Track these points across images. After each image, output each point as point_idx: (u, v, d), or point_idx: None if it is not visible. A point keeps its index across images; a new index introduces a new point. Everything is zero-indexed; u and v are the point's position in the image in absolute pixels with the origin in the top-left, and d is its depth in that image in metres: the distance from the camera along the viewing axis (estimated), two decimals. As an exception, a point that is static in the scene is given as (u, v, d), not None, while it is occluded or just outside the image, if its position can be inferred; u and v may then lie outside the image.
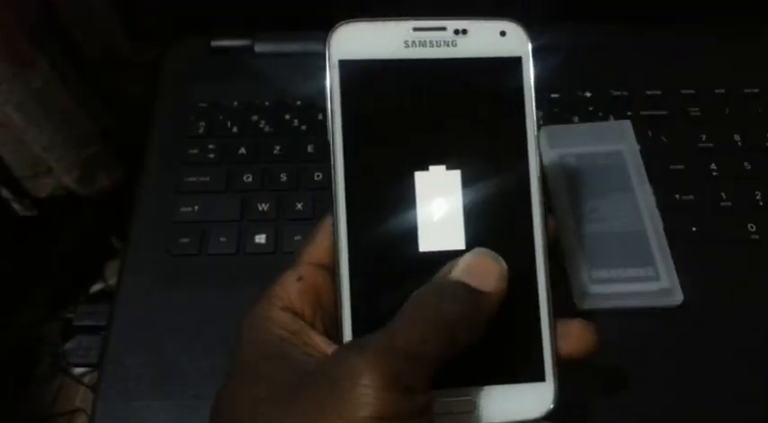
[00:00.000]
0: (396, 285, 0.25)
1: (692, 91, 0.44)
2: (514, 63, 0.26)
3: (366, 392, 0.20)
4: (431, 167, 0.26)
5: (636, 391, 0.34)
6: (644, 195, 0.39)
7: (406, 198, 0.26)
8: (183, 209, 0.40)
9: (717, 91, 0.44)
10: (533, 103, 0.26)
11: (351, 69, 0.26)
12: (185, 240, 0.39)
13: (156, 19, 0.56)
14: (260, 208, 0.40)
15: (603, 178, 0.39)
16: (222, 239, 0.39)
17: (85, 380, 0.75)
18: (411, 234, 0.25)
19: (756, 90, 0.44)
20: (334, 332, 0.25)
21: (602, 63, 0.46)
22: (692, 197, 0.40)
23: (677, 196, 0.40)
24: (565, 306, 0.35)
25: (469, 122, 0.26)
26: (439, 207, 0.26)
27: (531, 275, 0.26)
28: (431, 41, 0.26)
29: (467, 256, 0.24)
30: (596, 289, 0.36)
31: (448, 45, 0.26)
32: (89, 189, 0.60)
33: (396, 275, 0.25)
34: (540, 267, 0.26)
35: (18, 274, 0.71)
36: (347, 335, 0.24)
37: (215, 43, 0.48)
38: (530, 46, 0.26)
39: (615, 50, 0.46)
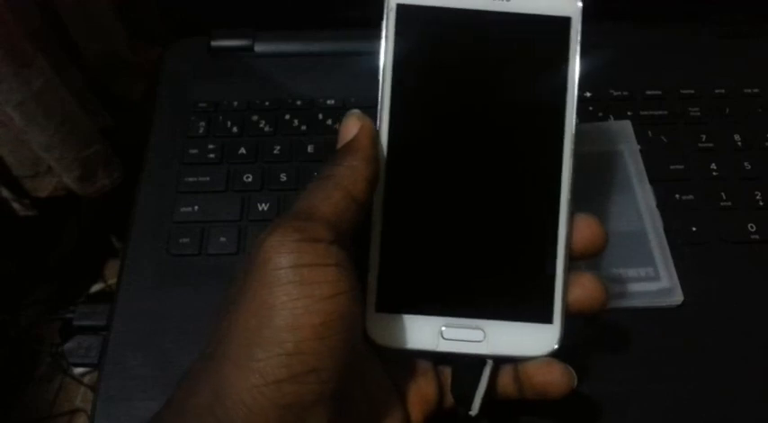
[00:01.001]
0: (425, 220, 0.27)
1: (692, 91, 0.44)
2: (564, 23, 0.28)
3: (273, 249, 0.23)
4: (472, 114, 0.27)
5: (636, 390, 0.34)
6: (644, 195, 0.39)
7: (446, 139, 0.27)
8: (183, 209, 0.40)
9: (717, 91, 0.44)
10: (577, 63, 0.27)
11: (407, 14, 0.27)
12: (185, 240, 0.39)
13: (156, 19, 0.57)
14: (260, 208, 0.40)
15: (603, 178, 0.39)
16: (222, 239, 0.39)
17: (85, 380, 0.75)
18: (447, 168, 0.27)
19: (756, 90, 0.44)
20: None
21: (603, 63, 0.46)
22: (691, 197, 0.40)
23: (677, 196, 0.40)
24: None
25: (514, 76, 0.28)
26: (476, 147, 0.27)
27: (552, 225, 0.27)
28: None
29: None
30: (596, 289, 0.36)
31: None
32: (89, 189, 0.60)
33: (426, 209, 0.27)
34: (563, 219, 0.27)
35: (18, 273, 0.71)
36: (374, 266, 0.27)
37: (215, 43, 0.48)
38: (580, 5, 0.28)
39: (615, 50, 0.46)
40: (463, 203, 0.27)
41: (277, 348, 0.22)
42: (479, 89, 0.27)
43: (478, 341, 0.27)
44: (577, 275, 0.28)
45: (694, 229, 0.39)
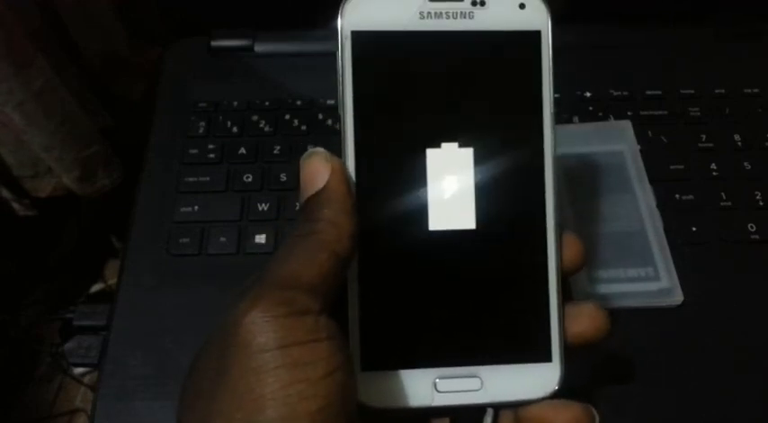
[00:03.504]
0: (404, 265, 0.25)
1: (692, 91, 0.44)
2: (533, 37, 0.26)
3: (256, 327, 0.20)
4: (443, 145, 0.25)
5: (636, 390, 0.34)
6: (644, 195, 0.39)
7: (417, 176, 0.25)
8: (183, 209, 0.40)
9: (717, 91, 0.44)
10: (551, 80, 0.26)
11: (363, 40, 0.25)
12: (185, 240, 0.39)
13: (156, 19, 0.57)
14: (260, 208, 0.40)
15: (603, 178, 0.39)
16: (222, 239, 0.39)
17: (85, 380, 0.75)
18: (421, 213, 0.25)
19: (756, 90, 0.44)
20: None
21: (603, 63, 0.46)
22: (691, 197, 0.40)
23: (677, 196, 0.40)
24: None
25: (484, 98, 0.26)
26: (450, 185, 0.25)
27: (541, 256, 0.25)
28: (447, 13, 0.25)
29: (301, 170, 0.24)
30: (596, 289, 0.36)
31: (465, 17, 0.25)
32: (89, 189, 0.60)
33: (404, 254, 0.25)
34: (552, 248, 0.25)
35: (18, 273, 0.71)
36: (354, 307, 0.24)
37: (215, 43, 0.48)
38: (549, 19, 0.26)
39: (615, 50, 0.46)
40: (444, 245, 0.25)
41: None
42: (450, 116, 0.25)
43: (476, 390, 0.25)
44: (578, 307, 0.26)
45: (694, 229, 0.39)
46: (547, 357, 0.25)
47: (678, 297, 0.36)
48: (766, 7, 0.47)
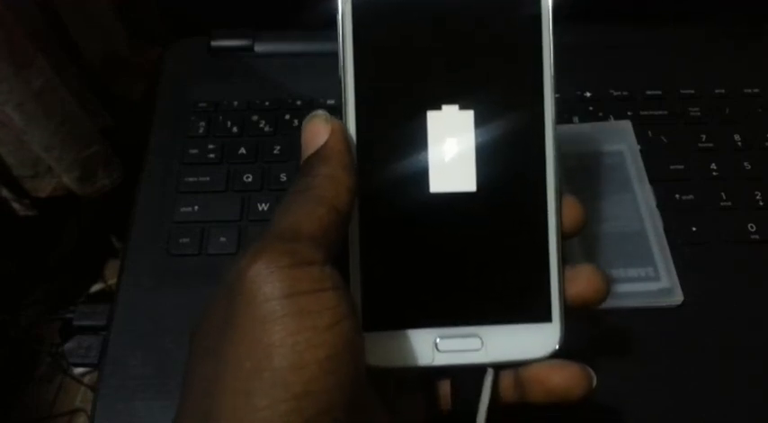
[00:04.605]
0: (405, 226, 0.25)
1: (692, 91, 0.44)
2: (534, 1, 0.26)
3: (261, 278, 0.20)
4: (443, 107, 0.25)
5: (636, 390, 0.34)
6: (644, 195, 0.39)
7: (418, 138, 0.25)
8: (183, 209, 0.40)
9: (717, 91, 0.44)
10: (551, 43, 0.26)
11: (364, 2, 0.25)
12: (185, 240, 0.39)
13: (156, 19, 0.57)
14: (260, 208, 0.40)
15: (603, 178, 0.39)
16: (222, 239, 0.39)
17: (85, 380, 0.75)
18: (422, 175, 0.25)
19: (756, 90, 0.44)
20: None
21: (603, 63, 0.46)
22: (691, 197, 0.40)
23: (677, 196, 0.40)
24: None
25: (485, 61, 0.26)
26: (450, 147, 0.25)
27: (541, 217, 0.26)
28: None
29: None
30: (596, 289, 0.36)
31: None
32: (89, 189, 0.60)
33: (406, 216, 0.25)
34: (552, 210, 0.26)
35: (18, 273, 0.71)
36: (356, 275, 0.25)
37: (215, 43, 0.48)
38: None
39: (615, 50, 0.46)
40: (445, 206, 0.25)
41: (282, 392, 0.19)
42: (450, 78, 0.26)
43: (476, 350, 0.25)
44: (576, 269, 0.26)
45: (694, 229, 0.39)
46: (547, 318, 0.26)
47: (678, 297, 0.36)
48: (766, 7, 0.47)
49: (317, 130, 0.24)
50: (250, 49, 0.48)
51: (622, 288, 0.36)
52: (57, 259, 0.74)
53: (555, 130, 0.26)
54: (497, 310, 0.26)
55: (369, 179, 0.25)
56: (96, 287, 0.79)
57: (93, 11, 0.56)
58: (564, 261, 0.26)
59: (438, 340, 0.25)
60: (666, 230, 0.38)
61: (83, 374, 0.75)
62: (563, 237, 0.26)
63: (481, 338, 0.25)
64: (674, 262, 0.37)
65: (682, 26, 0.47)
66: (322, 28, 0.46)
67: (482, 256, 0.26)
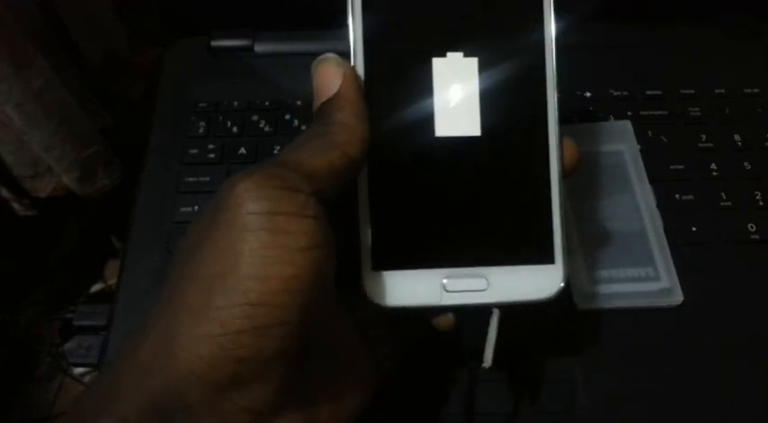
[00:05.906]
0: (412, 169, 0.26)
1: (692, 91, 0.44)
2: None
3: (247, 192, 0.21)
4: (448, 54, 0.26)
5: (636, 390, 0.34)
6: (644, 195, 0.39)
7: (424, 84, 0.26)
8: (183, 209, 0.40)
9: (717, 91, 0.44)
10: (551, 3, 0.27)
11: None
12: (185, 240, 0.39)
13: (156, 19, 0.57)
14: (260, 208, 0.40)
15: (603, 178, 0.39)
16: (222, 239, 0.39)
17: (85, 380, 0.75)
18: (428, 119, 0.26)
19: (756, 90, 0.44)
20: None
21: (603, 63, 0.46)
22: (691, 197, 0.40)
23: (677, 196, 0.40)
24: (564, 306, 0.35)
25: (488, 10, 0.27)
26: (455, 93, 0.26)
27: (543, 161, 0.27)
28: None
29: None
30: (596, 289, 0.36)
31: None
32: (89, 189, 0.60)
33: (412, 159, 0.26)
34: (554, 154, 0.27)
35: (18, 273, 0.71)
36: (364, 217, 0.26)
37: (215, 43, 0.48)
38: None
39: (615, 50, 0.46)
40: (450, 150, 0.26)
41: (241, 297, 0.20)
42: (455, 26, 0.27)
43: (482, 290, 0.26)
44: None
45: (694, 229, 0.39)
46: (550, 259, 0.27)
47: (678, 297, 0.36)
48: (766, 7, 0.47)
49: (330, 75, 0.24)
50: (250, 49, 0.48)
51: (622, 288, 0.36)
52: (57, 259, 0.74)
53: (555, 76, 0.27)
54: (502, 251, 0.26)
55: (376, 123, 0.25)
56: (96, 287, 0.79)
57: (93, 11, 0.56)
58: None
59: (445, 281, 0.26)
60: (666, 230, 0.38)
61: (83, 374, 0.75)
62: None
63: (487, 279, 0.26)
64: (674, 262, 0.37)
65: (682, 26, 0.47)
66: (322, 28, 0.46)
67: (487, 199, 0.27)
